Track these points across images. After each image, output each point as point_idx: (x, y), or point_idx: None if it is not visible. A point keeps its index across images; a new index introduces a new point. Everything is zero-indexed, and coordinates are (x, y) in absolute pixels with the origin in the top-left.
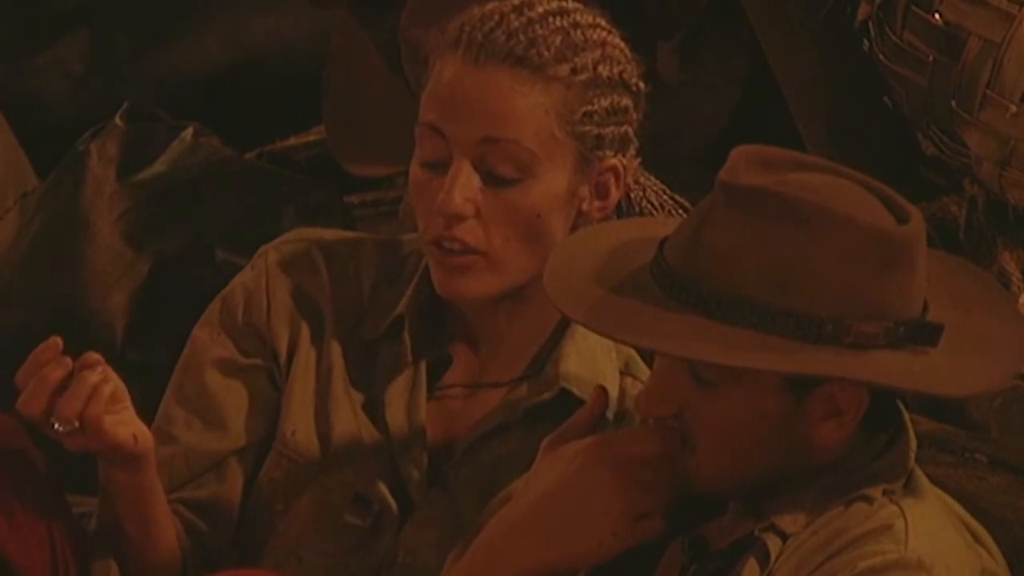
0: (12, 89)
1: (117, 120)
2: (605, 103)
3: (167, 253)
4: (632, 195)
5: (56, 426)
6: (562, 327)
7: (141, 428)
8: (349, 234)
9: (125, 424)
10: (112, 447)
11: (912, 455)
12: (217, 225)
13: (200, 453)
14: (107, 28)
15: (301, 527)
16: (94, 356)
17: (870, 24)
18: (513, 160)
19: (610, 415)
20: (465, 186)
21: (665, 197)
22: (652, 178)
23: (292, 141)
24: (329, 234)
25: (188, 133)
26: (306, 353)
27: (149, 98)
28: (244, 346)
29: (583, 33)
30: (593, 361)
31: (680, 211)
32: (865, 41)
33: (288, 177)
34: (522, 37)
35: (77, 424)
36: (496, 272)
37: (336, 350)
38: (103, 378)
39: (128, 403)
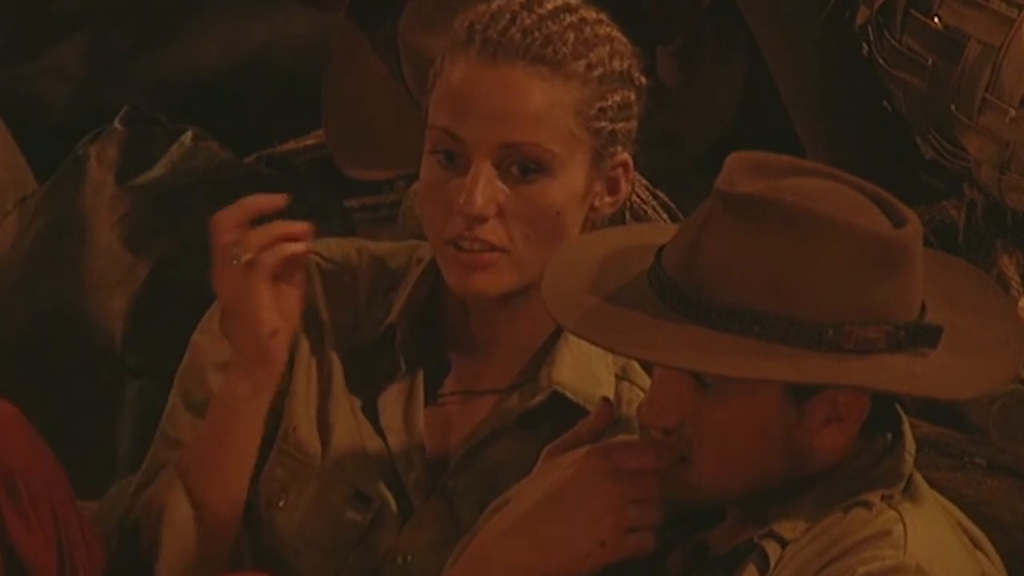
0: (11, 93)
1: (116, 124)
2: (617, 98)
3: (166, 256)
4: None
5: (234, 251)
6: (558, 331)
7: (285, 333)
8: (344, 242)
9: (274, 311)
10: (255, 311)
11: (911, 460)
12: None
13: None
14: (106, 32)
15: (301, 523)
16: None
17: (869, 28)
18: (534, 161)
19: None
20: (487, 187)
21: (648, 194)
22: (637, 175)
23: (291, 145)
24: (324, 245)
25: (187, 137)
26: (306, 357)
27: (148, 102)
28: None
29: (592, 29)
30: (587, 366)
31: (663, 209)
32: (864, 45)
33: (287, 181)
34: (537, 34)
35: (251, 256)
36: (516, 270)
37: (334, 356)
38: (302, 234)
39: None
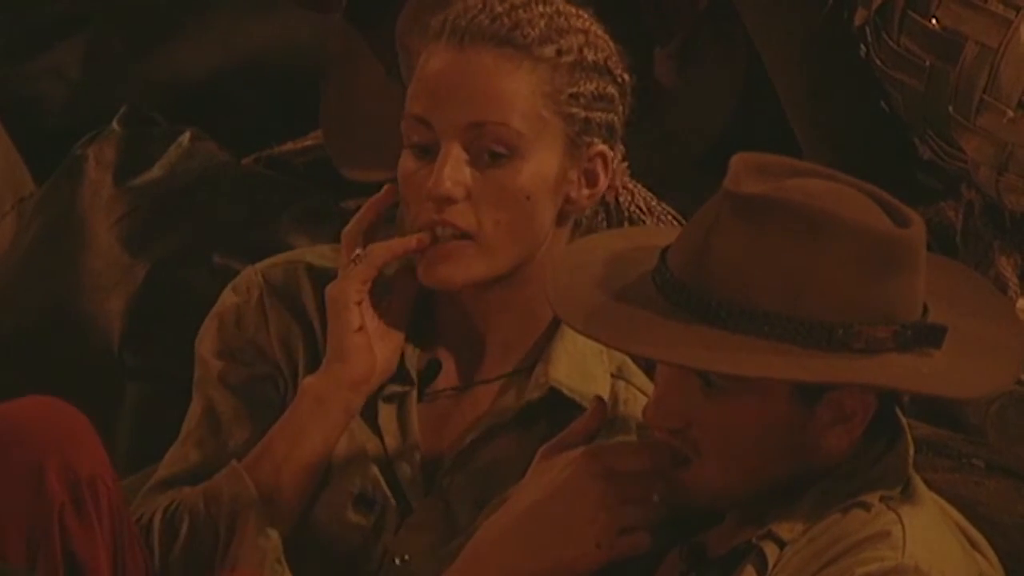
0: (9, 94)
1: (114, 125)
2: (591, 87)
3: (164, 258)
4: (621, 199)
5: (356, 251)
6: (553, 327)
7: (382, 360)
8: (336, 251)
9: (365, 335)
10: (347, 303)
11: (910, 461)
12: (214, 229)
13: (219, 466)
14: (104, 33)
15: (305, 526)
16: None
17: (867, 29)
18: (502, 142)
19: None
20: (455, 169)
21: (654, 203)
22: (640, 185)
23: (289, 146)
24: (315, 255)
25: (185, 138)
26: (304, 364)
27: (146, 103)
28: (247, 359)
29: (567, 19)
30: (583, 363)
31: (669, 217)
32: (862, 46)
33: (285, 182)
34: (506, 20)
35: (361, 252)
36: (483, 257)
37: None
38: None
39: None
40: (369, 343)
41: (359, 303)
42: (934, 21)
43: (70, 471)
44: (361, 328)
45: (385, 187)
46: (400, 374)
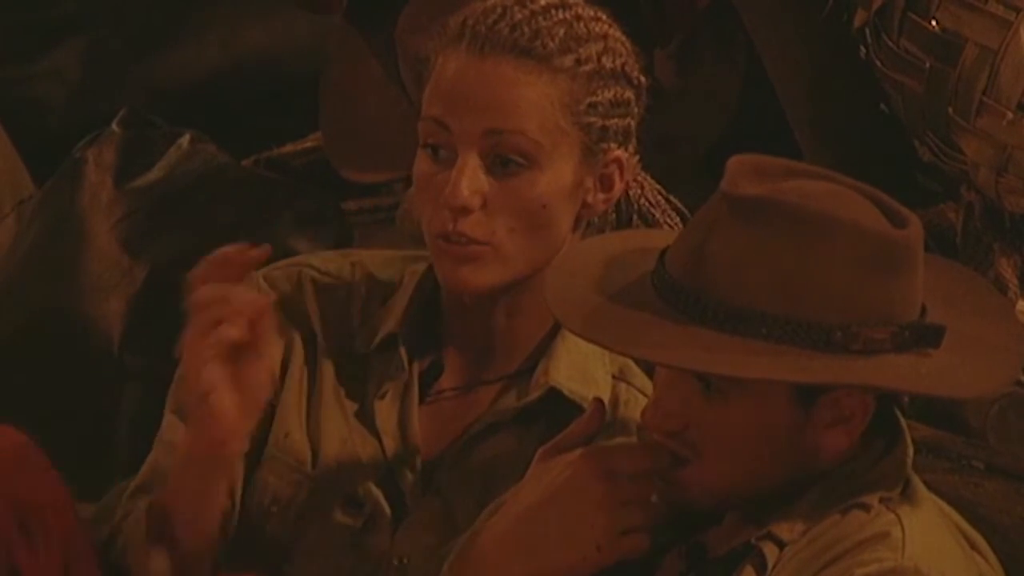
0: (9, 96)
1: (114, 127)
2: (609, 95)
3: (164, 259)
4: (631, 192)
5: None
6: (555, 328)
7: (249, 408)
8: (339, 256)
9: (221, 394)
10: (195, 368)
11: (909, 462)
12: (214, 231)
13: None
14: (104, 35)
15: (294, 529)
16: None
17: (866, 31)
18: (519, 151)
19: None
20: (472, 179)
21: (660, 197)
22: (649, 178)
23: (289, 148)
24: (318, 259)
25: (185, 140)
26: (299, 367)
27: (146, 105)
28: None
29: (586, 25)
30: (584, 364)
31: (674, 213)
32: (861, 48)
33: (285, 184)
34: (526, 28)
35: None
36: (502, 263)
37: (327, 364)
38: (230, 314)
39: (256, 401)
40: (225, 403)
41: (209, 361)
42: (934, 23)
43: (18, 503)
44: (212, 391)
45: (257, 250)
46: (398, 367)
